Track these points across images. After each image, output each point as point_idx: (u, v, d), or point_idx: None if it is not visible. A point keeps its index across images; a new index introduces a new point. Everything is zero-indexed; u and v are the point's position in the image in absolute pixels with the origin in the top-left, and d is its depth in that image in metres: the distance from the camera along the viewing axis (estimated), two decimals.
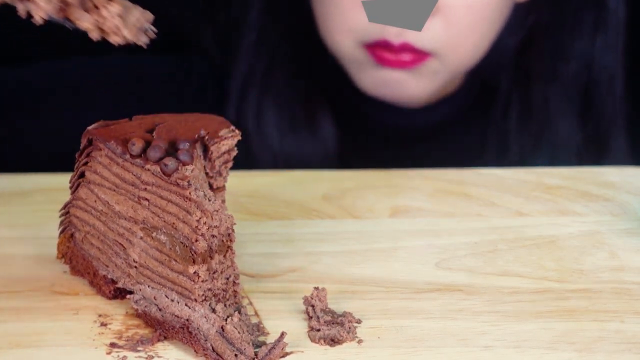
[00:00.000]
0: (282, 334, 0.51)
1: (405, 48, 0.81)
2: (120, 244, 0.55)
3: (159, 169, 0.51)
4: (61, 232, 0.60)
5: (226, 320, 0.52)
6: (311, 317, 0.54)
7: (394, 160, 0.90)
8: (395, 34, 0.81)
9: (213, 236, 0.51)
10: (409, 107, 0.91)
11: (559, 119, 0.92)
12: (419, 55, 0.82)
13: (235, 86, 0.92)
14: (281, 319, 0.55)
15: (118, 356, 0.51)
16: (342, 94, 0.93)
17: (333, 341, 0.53)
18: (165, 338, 0.53)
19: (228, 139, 0.56)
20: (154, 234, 0.53)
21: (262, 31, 0.91)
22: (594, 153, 0.93)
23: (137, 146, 0.52)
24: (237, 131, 0.57)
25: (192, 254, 0.51)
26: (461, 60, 0.85)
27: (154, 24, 0.52)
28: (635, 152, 0.96)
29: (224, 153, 0.57)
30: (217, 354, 0.51)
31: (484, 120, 0.95)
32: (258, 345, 0.52)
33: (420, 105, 0.90)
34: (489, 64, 0.94)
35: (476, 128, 0.95)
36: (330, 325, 0.53)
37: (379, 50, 0.82)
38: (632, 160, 0.93)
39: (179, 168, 0.51)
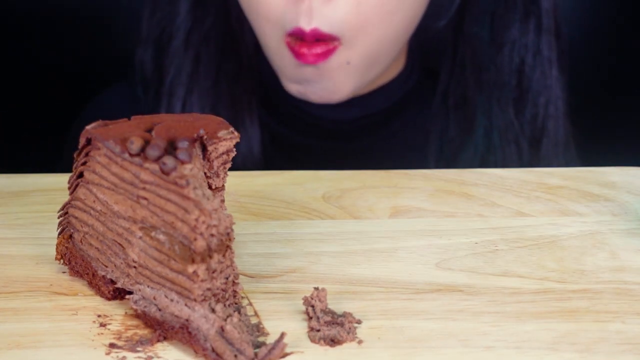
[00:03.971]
0: (282, 335, 0.51)
1: (316, 35, 0.84)
2: (119, 243, 0.55)
3: (157, 168, 0.51)
4: (60, 233, 0.60)
5: (226, 320, 0.51)
6: (311, 318, 0.54)
7: (331, 156, 0.93)
8: (307, 21, 0.83)
9: (212, 235, 0.51)
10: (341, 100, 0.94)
11: (493, 104, 0.94)
12: (328, 43, 0.85)
13: (165, 87, 0.96)
14: (281, 320, 0.55)
15: (117, 357, 0.51)
16: (269, 92, 0.96)
17: (333, 342, 0.52)
18: (165, 338, 0.53)
19: (227, 140, 0.56)
20: (152, 234, 0.52)
21: (189, 32, 0.95)
22: (532, 138, 0.95)
23: (135, 145, 0.52)
24: (235, 133, 0.57)
25: (191, 253, 0.51)
26: (369, 48, 0.87)
27: None
28: (576, 136, 0.99)
29: (223, 154, 0.57)
30: (217, 354, 0.50)
31: (425, 110, 0.98)
32: (258, 345, 0.52)
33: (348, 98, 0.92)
34: (425, 53, 0.98)
35: (417, 118, 0.98)
36: (330, 325, 0.53)
37: (296, 45, 0.85)
38: (569, 146, 0.97)
39: (178, 167, 0.51)
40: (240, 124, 0.95)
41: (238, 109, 0.95)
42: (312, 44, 0.84)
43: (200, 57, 0.95)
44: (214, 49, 0.96)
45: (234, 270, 0.53)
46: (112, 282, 0.56)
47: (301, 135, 0.97)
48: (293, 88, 0.89)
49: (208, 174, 0.57)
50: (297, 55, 0.85)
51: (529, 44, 0.94)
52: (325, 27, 0.84)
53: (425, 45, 1.00)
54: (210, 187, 0.57)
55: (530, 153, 0.95)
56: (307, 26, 0.84)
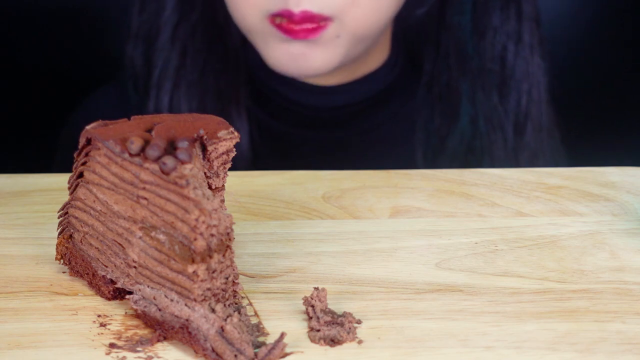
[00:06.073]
0: (282, 335, 0.51)
1: (306, 17, 0.84)
2: (119, 244, 0.55)
3: (157, 168, 0.51)
4: (60, 233, 0.60)
5: (226, 320, 0.51)
6: (311, 318, 0.54)
7: (319, 147, 0.94)
8: (296, 3, 0.84)
9: (212, 235, 0.51)
10: (327, 86, 0.94)
11: (478, 91, 0.95)
12: (319, 22, 0.85)
13: (153, 81, 0.97)
14: (281, 320, 0.55)
15: (117, 357, 0.51)
16: (255, 83, 0.97)
17: (333, 342, 0.52)
18: (165, 338, 0.53)
19: (226, 140, 0.56)
20: (152, 234, 0.52)
21: (176, 26, 0.96)
22: (516, 123, 0.96)
23: (135, 145, 0.52)
24: (235, 133, 0.57)
25: (191, 253, 0.51)
26: (360, 23, 0.87)
27: None
28: (561, 122, 1.00)
29: (222, 154, 0.57)
30: (217, 354, 0.50)
31: (411, 101, 0.99)
32: (258, 345, 0.52)
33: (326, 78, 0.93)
34: (409, 43, 0.99)
35: (403, 109, 0.99)
36: (330, 325, 0.53)
37: (284, 23, 0.85)
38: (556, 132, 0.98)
39: (178, 167, 0.51)
40: (228, 116, 0.95)
41: (225, 101, 0.96)
42: (302, 22, 0.85)
43: (187, 51, 0.96)
44: (200, 42, 0.96)
45: (234, 270, 0.53)
46: (112, 282, 0.56)
47: (289, 126, 0.97)
48: (278, 66, 0.90)
49: (208, 174, 0.57)
50: (286, 31, 0.85)
51: (511, 31, 0.95)
52: (315, 8, 0.84)
53: (409, 35, 1.01)
54: (210, 187, 0.57)
55: (515, 139, 0.96)
56: (296, 8, 0.84)
